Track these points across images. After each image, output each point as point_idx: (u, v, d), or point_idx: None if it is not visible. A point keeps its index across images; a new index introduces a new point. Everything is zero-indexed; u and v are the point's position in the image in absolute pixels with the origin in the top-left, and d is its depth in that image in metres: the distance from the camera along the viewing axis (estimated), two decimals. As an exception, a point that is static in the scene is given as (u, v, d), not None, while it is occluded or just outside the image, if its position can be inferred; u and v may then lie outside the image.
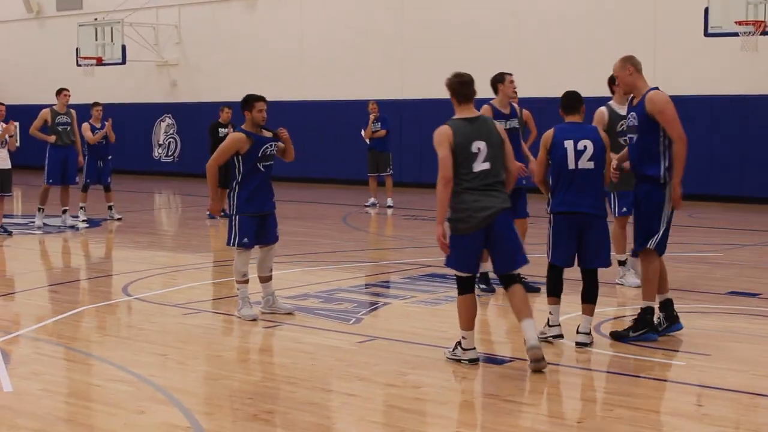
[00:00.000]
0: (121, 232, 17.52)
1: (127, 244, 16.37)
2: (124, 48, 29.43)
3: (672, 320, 9.15)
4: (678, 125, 8.78)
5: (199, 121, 29.12)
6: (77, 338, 9.40)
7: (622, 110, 10.73)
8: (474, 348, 8.30)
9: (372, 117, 21.10)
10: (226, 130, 18.98)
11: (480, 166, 8.03)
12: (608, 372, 8.11)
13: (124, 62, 29.53)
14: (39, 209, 17.83)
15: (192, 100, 30.21)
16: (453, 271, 8.20)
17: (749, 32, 19.82)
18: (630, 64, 8.97)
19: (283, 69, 27.45)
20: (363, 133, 21.32)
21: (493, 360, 8.42)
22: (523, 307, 8.09)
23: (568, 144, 8.79)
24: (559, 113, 9.11)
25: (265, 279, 10.20)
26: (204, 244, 16.47)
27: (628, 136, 9.14)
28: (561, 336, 9.00)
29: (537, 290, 10.95)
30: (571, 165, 8.76)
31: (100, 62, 29.77)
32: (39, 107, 18.48)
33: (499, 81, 11.10)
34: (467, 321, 8.23)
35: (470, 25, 24.82)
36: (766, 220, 18.09)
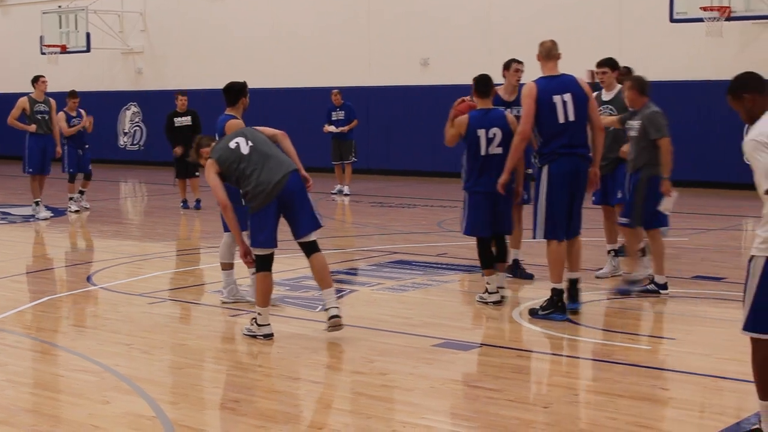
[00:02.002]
0: (86, 221, 17.41)
1: (93, 234, 16.27)
2: (88, 36, 29.21)
3: (572, 299, 9.41)
4: (523, 121, 9.26)
5: (164, 109, 28.72)
6: (42, 328, 9.33)
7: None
8: (269, 324, 8.58)
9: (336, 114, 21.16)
10: (185, 118, 18.78)
11: None
12: (574, 357, 8.13)
13: (88, 50, 29.31)
14: (36, 203, 17.64)
15: (157, 88, 30.02)
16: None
17: (714, 18, 19.90)
18: (539, 50, 9.47)
19: (249, 56, 27.31)
20: (325, 128, 21.27)
21: (459, 346, 8.41)
22: (325, 276, 8.62)
23: (481, 133, 9.67)
24: (473, 96, 9.91)
25: (229, 266, 10.14)
26: (169, 233, 16.39)
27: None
28: (501, 302, 9.78)
29: (530, 277, 11.14)
30: (483, 151, 9.68)
31: (64, 50, 29.55)
32: (2, 96, 18.29)
33: (505, 68, 11.20)
34: (265, 298, 8.56)
35: (437, 12, 24.78)
36: (731, 205, 18.20)
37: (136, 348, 8.46)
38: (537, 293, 10.29)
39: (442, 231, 10.36)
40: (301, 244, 8.69)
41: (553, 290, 9.30)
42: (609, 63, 11.01)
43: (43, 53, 29.73)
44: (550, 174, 9.26)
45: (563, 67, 9.58)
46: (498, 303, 9.79)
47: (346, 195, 20.91)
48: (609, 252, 11.25)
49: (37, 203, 17.65)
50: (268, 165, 8.48)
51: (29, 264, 13.49)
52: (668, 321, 9.20)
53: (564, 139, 9.22)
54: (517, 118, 10.00)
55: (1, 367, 7.94)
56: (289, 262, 11.64)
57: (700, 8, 19.91)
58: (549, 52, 9.43)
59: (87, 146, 18.64)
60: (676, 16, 20.42)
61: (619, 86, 10.87)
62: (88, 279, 11.60)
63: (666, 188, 9.98)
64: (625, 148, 10.54)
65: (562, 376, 7.58)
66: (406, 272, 11.69)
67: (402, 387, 7.26)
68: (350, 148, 21.27)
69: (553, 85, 9.28)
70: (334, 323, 8.58)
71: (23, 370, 7.98)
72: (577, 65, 13.44)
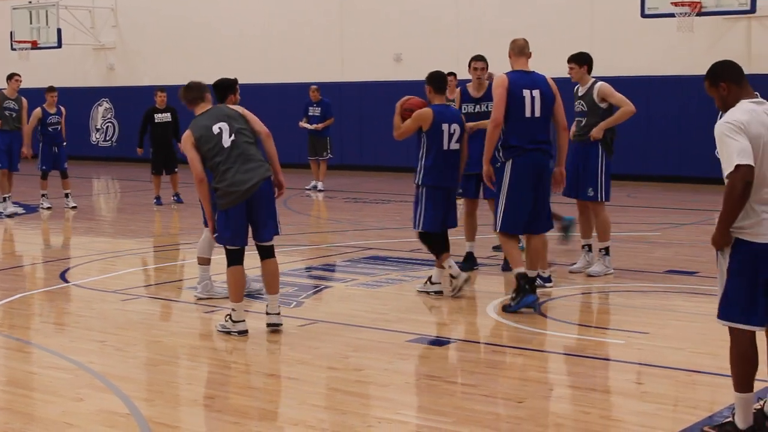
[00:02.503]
0: (59, 217, 17.31)
1: (65, 230, 16.19)
2: (59, 31, 29.02)
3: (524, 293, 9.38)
4: (495, 109, 9.37)
5: (137, 105, 28.69)
6: (14, 325, 9.28)
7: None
8: (244, 320, 8.62)
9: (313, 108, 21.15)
10: (165, 115, 18.75)
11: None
12: (548, 351, 8.15)
13: (59, 46, 29.12)
14: (4, 198, 17.55)
15: (130, 84, 29.88)
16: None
17: (685, 13, 19.97)
18: (510, 47, 9.70)
19: (222, 52, 27.21)
20: (300, 123, 21.25)
21: (434, 341, 8.43)
22: (275, 282, 8.72)
23: (445, 127, 9.88)
24: (427, 92, 10.12)
25: (206, 261, 10.12)
26: (143, 230, 16.31)
27: None
28: (441, 292, 10.06)
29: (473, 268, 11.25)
30: (445, 146, 9.90)
31: (35, 46, 29.35)
32: (-27, 92, 18.15)
33: (468, 65, 11.31)
34: (237, 292, 8.62)
35: (410, 6, 24.78)
36: (703, 199, 18.28)
37: (110, 345, 8.42)
38: (509, 287, 10.31)
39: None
40: (259, 246, 8.71)
41: (517, 276, 9.38)
42: (574, 59, 11.00)
43: (13, 49, 29.51)
44: (513, 168, 9.39)
45: (535, 61, 9.64)
46: (438, 293, 10.09)
47: (320, 191, 20.88)
48: (583, 247, 11.27)
49: (5, 199, 17.56)
50: (244, 167, 8.46)
51: (1, 261, 13.40)
52: (641, 315, 9.23)
53: (528, 134, 9.37)
54: (487, 114, 10.30)
55: (-26, 365, 7.90)
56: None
57: (672, 3, 19.96)
58: (521, 50, 9.62)
59: (65, 144, 18.52)
60: (647, 12, 20.48)
61: (591, 81, 10.89)
62: (62, 276, 11.54)
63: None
64: (594, 132, 10.77)
65: (536, 371, 7.60)
66: (381, 268, 11.70)
67: (377, 382, 7.26)
68: (325, 144, 21.24)
69: (524, 80, 9.44)
70: (273, 330, 8.69)
71: (-4, 368, 7.95)
72: (549, 61, 13.46)
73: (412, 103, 10.18)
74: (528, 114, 9.37)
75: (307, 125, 21.09)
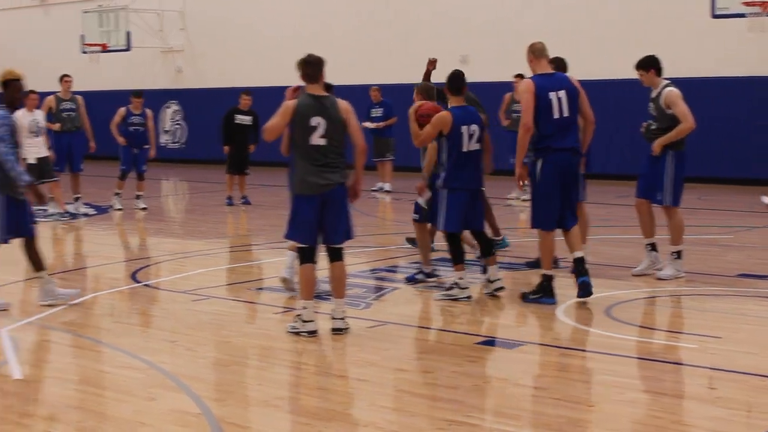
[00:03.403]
0: (129, 219, 17.51)
1: (135, 231, 16.37)
2: (128, 34, 29.38)
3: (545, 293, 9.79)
4: (524, 114, 9.62)
5: (205, 107, 29.11)
6: (87, 325, 9.39)
7: None
8: (314, 321, 8.61)
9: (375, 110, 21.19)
10: (247, 117, 18.95)
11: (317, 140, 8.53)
12: (619, 355, 8.07)
13: (128, 49, 29.48)
14: (74, 199, 17.83)
15: (197, 86, 30.15)
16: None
17: (756, 13, 19.72)
18: (529, 50, 9.90)
19: (288, 54, 27.30)
20: (364, 123, 21.32)
21: (503, 344, 8.40)
22: (341, 286, 8.73)
23: (464, 129, 9.84)
24: (446, 92, 10.12)
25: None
26: (212, 231, 16.44)
27: None
28: (470, 297, 9.97)
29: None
30: (465, 148, 9.82)
31: (105, 49, 29.73)
32: (44, 95, 18.41)
33: None
34: (307, 290, 8.63)
35: (476, 8, 24.73)
36: (776, 202, 18.02)
37: (181, 345, 8.49)
38: (576, 291, 10.27)
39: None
40: (328, 248, 8.73)
41: (543, 276, 9.80)
42: (640, 65, 10.88)
43: (83, 52, 29.92)
44: (543, 167, 9.67)
45: (603, 64, 9.61)
46: (469, 298, 9.97)
47: (387, 192, 20.91)
48: (646, 246, 11.16)
49: (75, 199, 17.81)
50: (322, 167, 8.53)
51: (73, 261, 13.59)
52: (714, 319, 9.13)
53: (558, 134, 9.65)
54: None
55: (47, 364, 8.01)
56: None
57: (742, 3, 19.74)
58: (541, 52, 9.88)
59: (147, 146, 18.69)
60: (717, 12, 20.26)
61: (662, 84, 10.78)
62: (133, 276, 11.66)
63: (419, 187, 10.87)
64: (655, 148, 10.79)
65: (606, 375, 7.53)
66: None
67: (446, 385, 7.25)
68: (388, 145, 21.28)
69: (549, 82, 9.72)
70: (337, 333, 8.69)
71: (69, 367, 8.04)
72: (617, 63, 13.34)
73: (426, 108, 10.29)
74: (557, 115, 9.64)
75: (369, 124, 21.12)
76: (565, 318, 9.23)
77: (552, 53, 10.33)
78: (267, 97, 25.79)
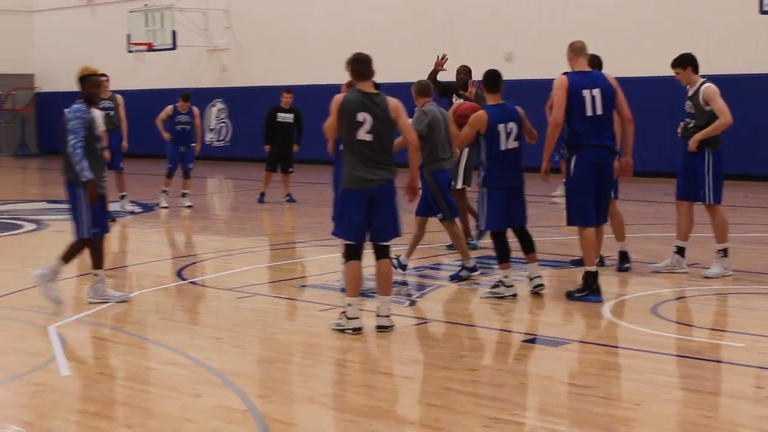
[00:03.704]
0: (174, 216, 17.61)
1: (181, 229, 16.46)
2: (174, 34, 29.56)
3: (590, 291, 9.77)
4: (556, 109, 9.70)
5: (250, 105, 29.21)
6: (133, 322, 9.45)
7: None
8: (359, 318, 8.60)
9: None
10: (288, 115, 19.02)
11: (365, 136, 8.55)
12: (666, 354, 8.01)
13: (174, 48, 29.65)
14: (120, 197, 17.97)
15: (243, 85, 30.27)
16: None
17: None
18: (569, 49, 9.95)
19: (333, 52, 27.37)
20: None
21: (548, 342, 8.36)
22: (387, 283, 8.72)
23: (501, 128, 9.81)
24: (483, 90, 10.12)
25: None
26: (256, 228, 16.52)
27: None
28: (515, 295, 9.90)
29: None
30: (503, 146, 9.80)
31: (150, 48, 29.93)
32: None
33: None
34: (352, 287, 8.64)
35: (521, 6, 24.64)
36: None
37: (227, 342, 8.53)
38: (624, 288, 10.21)
39: (530, 226, 10.28)
40: (375, 245, 8.74)
41: (587, 273, 9.74)
42: (676, 63, 10.86)
43: (129, 51, 30.13)
44: (577, 164, 9.73)
45: (650, 61, 9.54)
46: (515, 296, 9.90)
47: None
48: (674, 247, 11.07)
49: (121, 197, 17.94)
50: (370, 163, 8.54)
51: (119, 259, 13.68)
52: (761, 318, 9.04)
53: (591, 131, 9.69)
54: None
55: (95, 360, 8.07)
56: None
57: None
58: (581, 51, 9.91)
59: (193, 144, 18.82)
60: (765, 8, 20.05)
61: (699, 82, 10.72)
62: (178, 273, 11.73)
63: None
64: (691, 145, 10.76)
65: (653, 373, 7.47)
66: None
67: (492, 383, 7.24)
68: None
69: (583, 80, 9.75)
70: (382, 331, 8.69)
71: (116, 364, 8.11)
72: (665, 60, 13.19)
73: (464, 109, 10.35)
74: (590, 113, 9.68)
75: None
76: (611, 316, 9.18)
77: (592, 52, 10.31)
78: (311, 95, 25.92)
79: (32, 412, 6.76)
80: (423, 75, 13.01)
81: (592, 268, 9.76)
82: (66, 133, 9.79)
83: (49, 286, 9.91)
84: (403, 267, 11.21)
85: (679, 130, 10.99)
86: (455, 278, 10.91)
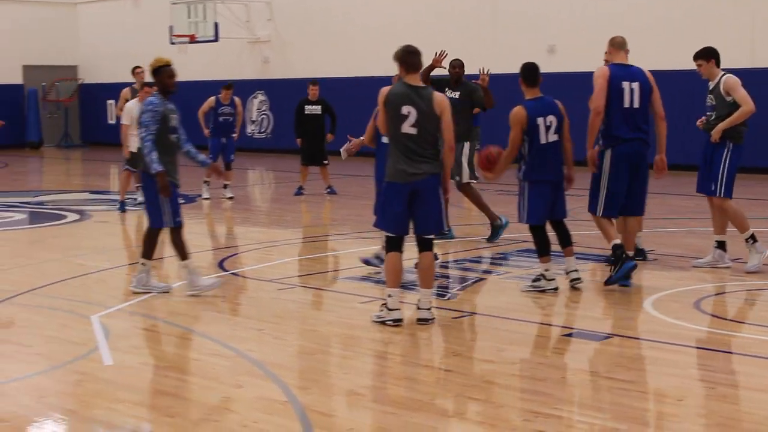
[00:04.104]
0: (216, 208, 17.68)
1: (222, 220, 16.53)
2: (216, 25, 29.63)
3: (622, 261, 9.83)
4: (594, 97, 9.84)
5: (291, 97, 29.16)
6: (175, 312, 9.49)
7: None
8: (399, 309, 8.59)
9: None
10: (315, 107, 19.05)
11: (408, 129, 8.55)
12: (709, 349, 7.95)
13: (216, 40, 29.73)
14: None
15: (284, 77, 30.33)
16: None
17: None
18: (609, 43, 10.20)
19: (374, 45, 27.41)
20: None
21: (590, 336, 8.32)
22: (428, 276, 8.70)
23: (540, 121, 9.75)
24: (521, 83, 9.97)
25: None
26: (298, 220, 16.56)
27: None
28: (557, 288, 9.84)
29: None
30: (543, 140, 9.74)
31: (193, 40, 30.03)
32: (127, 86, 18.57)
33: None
34: (392, 277, 8.64)
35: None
36: None
37: (268, 333, 8.56)
38: (666, 282, 10.14)
39: (570, 219, 10.24)
40: (418, 238, 8.73)
41: (613, 247, 9.85)
42: (700, 55, 10.87)
43: (172, 43, 30.24)
44: (612, 156, 9.88)
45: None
46: (556, 290, 9.86)
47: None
48: (714, 242, 10.98)
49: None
50: (413, 156, 8.53)
51: (161, 249, 13.73)
52: (806, 313, 8.96)
53: (627, 124, 9.86)
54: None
55: (138, 350, 8.12)
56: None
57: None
58: (621, 45, 10.10)
59: (234, 135, 18.92)
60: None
61: (719, 74, 10.67)
62: (220, 265, 11.78)
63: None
64: (714, 135, 10.78)
65: (696, 369, 7.43)
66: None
67: (533, 377, 7.21)
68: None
69: (623, 73, 9.92)
70: (423, 324, 8.67)
71: (158, 354, 8.16)
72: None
73: (487, 154, 10.22)
74: (627, 105, 9.85)
75: None
76: (654, 310, 9.12)
77: (635, 45, 10.28)
78: (352, 88, 25.93)
79: (75, 401, 6.82)
80: (468, 68, 13.01)
81: (617, 241, 9.85)
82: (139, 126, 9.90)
83: (153, 283, 10.07)
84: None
85: (699, 124, 11.06)
86: (366, 262, 11.11)
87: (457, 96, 12.77)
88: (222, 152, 18.73)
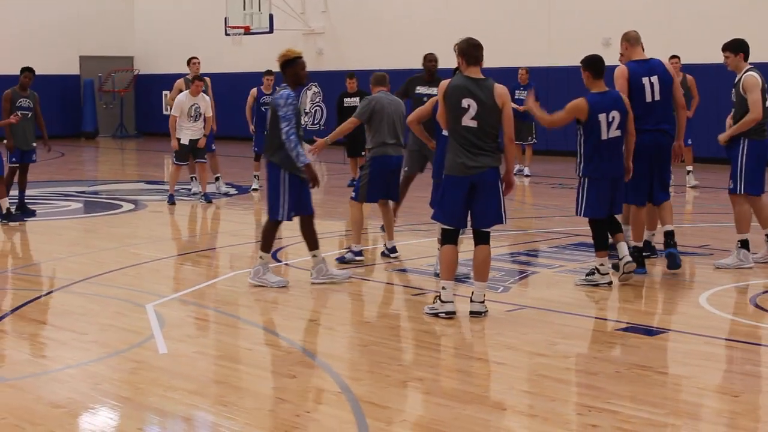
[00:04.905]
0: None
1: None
2: (271, 17, 29.72)
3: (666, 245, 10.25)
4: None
5: (345, 89, 29.29)
6: (228, 302, 9.55)
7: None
8: (452, 302, 8.57)
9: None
10: (354, 99, 19.04)
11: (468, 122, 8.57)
12: (765, 345, 7.86)
13: (271, 31, 29.82)
14: (215, 178, 18.21)
15: (338, 68, 30.35)
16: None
17: None
18: (624, 39, 10.37)
19: (428, 36, 27.35)
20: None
21: (644, 330, 8.26)
22: (484, 270, 8.67)
23: (602, 117, 9.60)
24: (585, 77, 9.79)
25: None
26: (349, 211, 16.50)
27: None
28: (611, 283, 9.80)
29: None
30: (604, 136, 9.63)
31: (247, 31, 30.13)
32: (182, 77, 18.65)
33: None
34: (447, 270, 8.62)
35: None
36: None
37: (321, 324, 8.58)
38: (721, 278, 10.04)
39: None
40: (475, 231, 8.70)
41: (634, 248, 10.23)
42: (729, 47, 10.71)
43: (227, 34, 30.38)
44: (635, 147, 9.99)
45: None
46: (610, 284, 9.79)
47: (526, 176, 20.76)
48: (765, 236, 10.84)
49: (217, 179, 18.13)
50: (473, 149, 8.52)
51: (214, 240, 13.84)
52: None
53: (650, 116, 10.10)
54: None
55: (192, 339, 8.17)
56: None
57: None
58: (636, 40, 10.33)
59: None
60: None
61: (745, 69, 10.51)
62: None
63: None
64: (721, 139, 10.82)
65: (753, 365, 7.34)
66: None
67: (586, 371, 7.18)
68: (530, 129, 21.06)
69: (642, 68, 10.18)
70: (476, 317, 8.65)
71: (212, 343, 8.20)
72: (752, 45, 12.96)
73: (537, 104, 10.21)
74: (649, 99, 10.12)
75: (516, 106, 20.97)
76: (709, 306, 9.03)
77: (691, 38, 10.17)
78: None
79: (130, 388, 6.87)
80: (519, 61, 12.92)
81: (639, 244, 10.32)
82: (278, 119, 10.02)
83: (268, 277, 10.08)
84: (358, 254, 11.47)
85: (729, 120, 11.00)
86: (341, 261, 11.30)
87: (434, 92, 12.37)
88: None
